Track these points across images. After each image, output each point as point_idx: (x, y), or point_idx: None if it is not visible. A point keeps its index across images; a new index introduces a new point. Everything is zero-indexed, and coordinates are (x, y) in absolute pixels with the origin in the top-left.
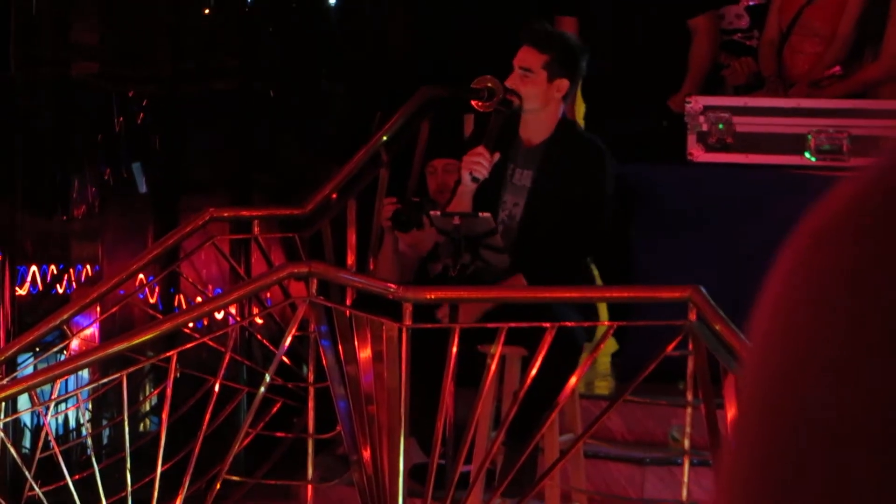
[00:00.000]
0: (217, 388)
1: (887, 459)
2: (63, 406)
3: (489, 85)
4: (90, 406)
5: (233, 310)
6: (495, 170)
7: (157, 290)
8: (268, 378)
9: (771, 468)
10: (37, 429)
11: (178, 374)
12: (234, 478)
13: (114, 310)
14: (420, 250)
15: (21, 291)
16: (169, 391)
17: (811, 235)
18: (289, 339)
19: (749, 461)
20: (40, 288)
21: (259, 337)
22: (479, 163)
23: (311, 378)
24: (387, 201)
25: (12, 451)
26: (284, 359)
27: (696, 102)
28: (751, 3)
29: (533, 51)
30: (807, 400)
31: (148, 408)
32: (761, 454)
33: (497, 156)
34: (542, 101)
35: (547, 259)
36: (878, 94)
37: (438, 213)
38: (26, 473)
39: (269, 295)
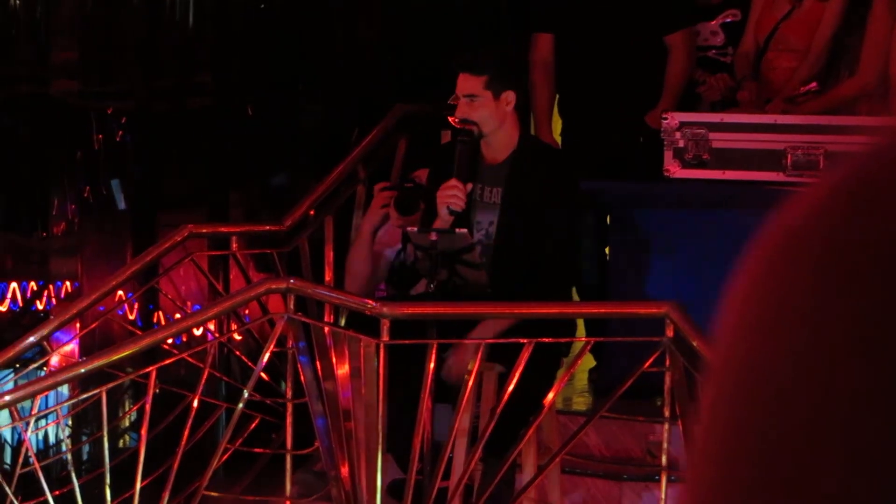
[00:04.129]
0: (196, 403)
1: (855, 452)
2: (43, 422)
3: None
4: (70, 422)
5: (211, 326)
6: None
7: (136, 306)
8: (246, 394)
9: (738, 464)
10: (17, 444)
11: (158, 390)
12: (213, 493)
13: (93, 326)
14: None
15: (1, 308)
16: (148, 407)
17: (778, 236)
18: (267, 355)
19: (715, 458)
20: (20, 304)
21: (237, 353)
22: (454, 195)
23: (289, 394)
24: (379, 186)
25: None
26: (263, 375)
27: (673, 118)
28: (726, 21)
29: (469, 76)
30: (773, 395)
31: (127, 423)
32: (728, 451)
33: (470, 186)
34: (496, 120)
35: (528, 274)
36: (854, 110)
37: (415, 229)
38: (6, 489)
39: (247, 311)
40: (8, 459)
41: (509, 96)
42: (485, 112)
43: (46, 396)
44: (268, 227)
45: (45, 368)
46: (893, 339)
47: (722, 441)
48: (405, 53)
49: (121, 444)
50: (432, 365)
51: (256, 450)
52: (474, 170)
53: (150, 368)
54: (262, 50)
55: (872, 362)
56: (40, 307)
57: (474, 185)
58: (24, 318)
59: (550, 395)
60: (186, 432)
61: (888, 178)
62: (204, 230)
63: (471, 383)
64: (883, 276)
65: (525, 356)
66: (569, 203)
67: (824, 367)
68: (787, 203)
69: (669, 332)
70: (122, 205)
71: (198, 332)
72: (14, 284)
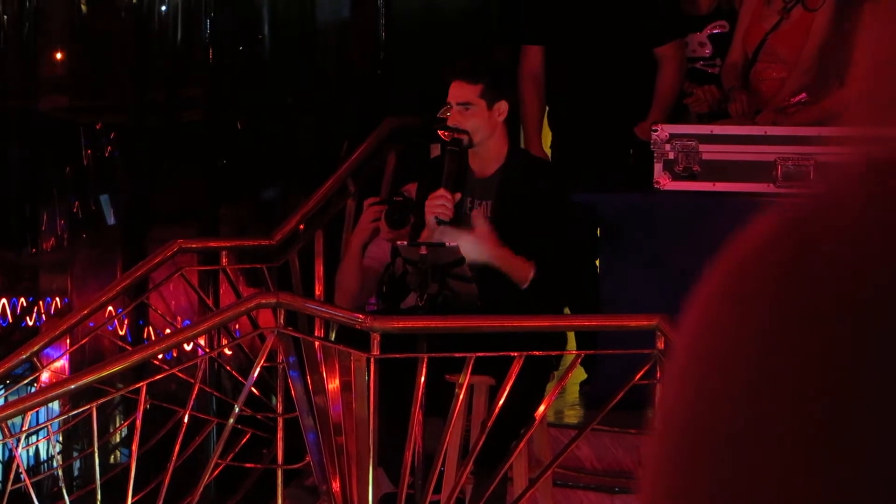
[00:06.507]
0: (186, 419)
1: (815, 488)
2: (34, 438)
3: None
4: (60, 438)
5: (202, 341)
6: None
7: (126, 321)
8: (237, 409)
9: (691, 477)
10: (8, 461)
11: (148, 406)
12: None
13: (83, 342)
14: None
15: None
16: (139, 422)
17: (728, 273)
18: (258, 370)
19: (669, 475)
20: (10, 320)
21: (228, 368)
22: (442, 205)
23: (280, 409)
24: (369, 201)
25: None
26: (253, 389)
27: (663, 130)
28: (714, 32)
29: (464, 84)
30: (725, 433)
31: (118, 439)
32: (680, 465)
33: (458, 196)
34: (488, 129)
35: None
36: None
37: (405, 243)
38: None
39: (237, 326)
40: None
41: (502, 106)
42: (478, 121)
43: (37, 412)
44: (258, 242)
45: (35, 384)
46: (842, 373)
47: (675, 476)
48: (395, 67)
49: (112, 459)
50: (423, 378)
51: (247, 465)
52: (462, 180)
53: (141, 384)
54: (252, 64)
55: (823, 395)
56: (30, 323)
57: (463, 198)
58: (14, 335)
59: (542, 408)
60: (177, 448)
61: (836, 217)
62: (193, 245)
63: (461, 397)
64: (831, 313)
65: (516, 369)
66: (561, 216)
67: (775, 403)
68: (737, 239)
69: (660, 344)
70: (111, 220)
71: (188, 347)
72: (3, 300)
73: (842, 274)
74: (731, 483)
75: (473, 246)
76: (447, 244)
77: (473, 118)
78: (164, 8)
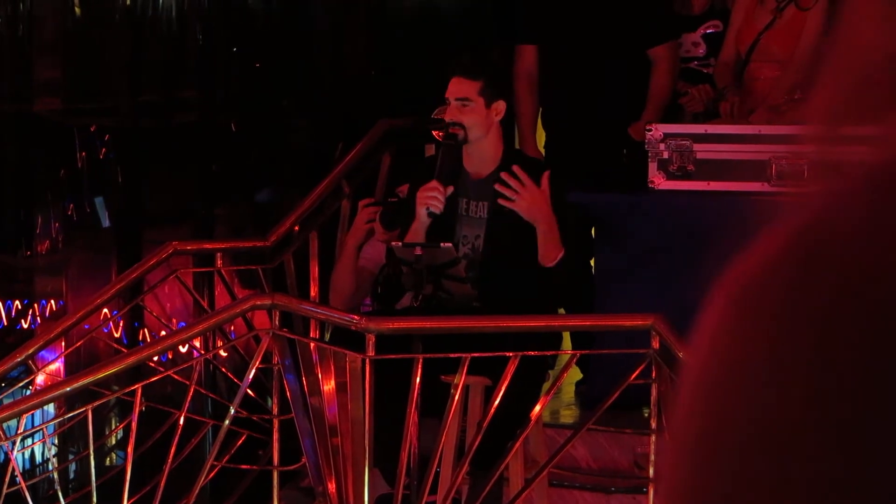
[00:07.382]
0: (182, 421)
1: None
2: (29, 441)
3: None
4: (56, 441)
5: (197, 343)
6: (447, 205)
7: (121, 323)
8: (232, 410)
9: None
10: (3, 464)
11: (144, 408)
12: None
13: (78, 344)
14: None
15: None
16: (134, 425)
17: (739, 282)
18: (253, 372)
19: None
20: (5, 323)
21: (223, 369)
22: (434, 197)
23: (275, 410)
24: (363, 202)
25: None
26: (249, 391)
27: (657, 130)
28: (707, 32)
29: (465, 80)
30: (736, 448)
31: (114, 442)
32: (692, 469)
33: (450, 189)
34: (484, 127)
35: (518, 287)
36: None
37: (400, 244)
38: None
39: (232, 327)
40: None
41: (500, 106)
42: (475, 118)
43: (32, 415)
44: (252, 244)
45: (30, 387)
46: (855, 380)
47: (687, 480)
48: (390, 68)
49: (107, 462)
50: (418, 379)
51: (243, 466)
52: (456, 175)
53: (136, 386)
54: (246, 66)
55: (829, 412)
56: (25, 326)
57: (459, 199)
58: (8, 337)
59: (537, 408)
60: (173, 450)
61: (844, 222)
62: (188, 247)
63: (457, 397)
64: (843, 320)
65: (511, 369)
66: (559, 216)
67: (784, 419)
68: (744, 255)
69: (655, 344)
70: (106, 222)
71: (183, 349)
72: None
73: (852, 279)
74: (740, 487)
75: (532, 202)
76: (442, 245)
77: (471, 114)
78: (158, 10)
